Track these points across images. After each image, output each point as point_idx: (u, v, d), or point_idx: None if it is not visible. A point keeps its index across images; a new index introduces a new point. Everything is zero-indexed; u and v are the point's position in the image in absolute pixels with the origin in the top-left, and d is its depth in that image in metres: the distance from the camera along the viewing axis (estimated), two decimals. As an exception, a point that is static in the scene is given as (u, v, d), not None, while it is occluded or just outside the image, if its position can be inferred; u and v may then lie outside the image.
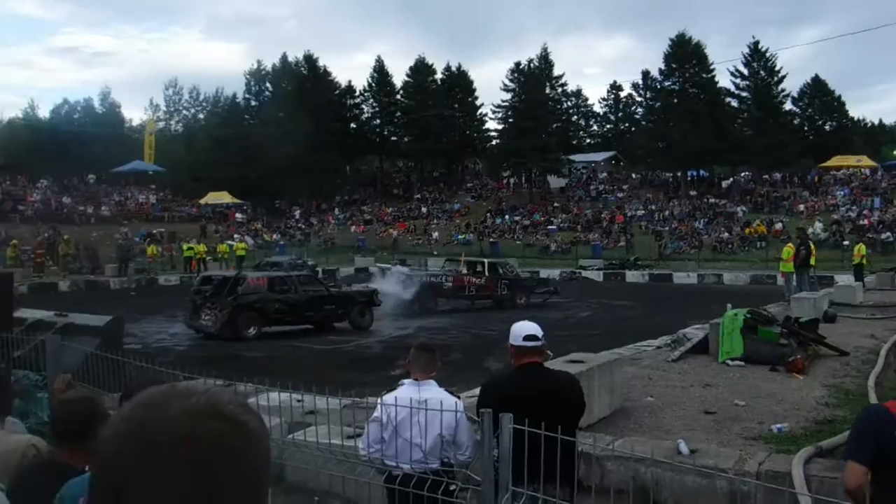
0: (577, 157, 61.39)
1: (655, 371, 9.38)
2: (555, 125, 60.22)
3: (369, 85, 63.36)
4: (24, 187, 46.99)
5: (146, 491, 0.76)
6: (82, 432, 2.48)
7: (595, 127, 71.68)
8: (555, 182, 57.54)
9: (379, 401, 3.95)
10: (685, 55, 51.80)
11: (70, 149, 51.81)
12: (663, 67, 53.31)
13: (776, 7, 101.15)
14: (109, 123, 60.04)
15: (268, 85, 62.51)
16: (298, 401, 5.11)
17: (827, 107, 56.97)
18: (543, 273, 29.52)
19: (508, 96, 58.95)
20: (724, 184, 53.21)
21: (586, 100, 69.79)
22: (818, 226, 37.69)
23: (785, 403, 7.59)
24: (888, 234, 36.08)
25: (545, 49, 63.46)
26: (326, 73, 62.38)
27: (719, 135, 49.06)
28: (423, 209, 55.99)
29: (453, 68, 63.55)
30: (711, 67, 52.52)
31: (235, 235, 44.30)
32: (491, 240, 44.56)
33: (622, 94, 67.37)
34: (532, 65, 60.98)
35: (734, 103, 54.72)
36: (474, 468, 3.77)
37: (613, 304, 23.22)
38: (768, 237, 38.09)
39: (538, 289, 23.04)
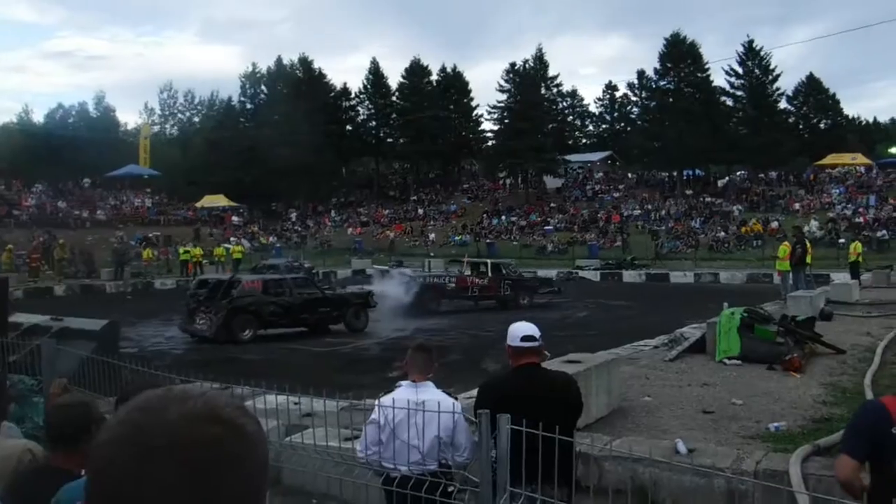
0: (572, 158, 61.44)
1: (653, 371, 9.38)
2: (550, 125, 60.26)
3: (364, 87, 63.38)
4: (19, 192, 46.86)
5: (144, 496, 0.76)
6: (77, 437, 2.48)
7: (591, 127, 71.81)
8: (551, 182, 57.60)
9: (376, 403, 3.95)
10: (680, 54, 51.93)
11: (65, 153, 51.67)
12: (658, 67, 53.45)
13: (770, 6, 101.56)
14: (104, 127, 59.92)
15: (263, 88, 62.43)
16: (296, 403, 5.10)
17: (822, 105, 57.14)
18: (541, 273, 29.54)
19: (504, 97, 59.13)
20: (720, 183, 53.32)
21: (582, 100, 70.02)
22: (814, 224, 37.79)
23: (782, 402, 7.60)
24: (884, 231, 36.20)
25: (540, 49, 63.57)
26: (321, 76, 62.39)
27: (715, 134, 49.19)
28: (420, 211, 55.98)
29: (448, 69, 63.65)
30: (706, 66, 52.72)
31: (232, 238, 44.22)
32: (487, 241, 44.56)
33: (617, 94, 67.66)
34: (527, 65, 61.05)
35: (729, 102, 54.87)
36: (472, 469, 3.77)
37: (610, 303, 23.25)
38: (764, 236, 38.15)
39: (541, 289, 23.08)
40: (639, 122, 59.30)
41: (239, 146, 53.88)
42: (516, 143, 52.43)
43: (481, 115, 64.12)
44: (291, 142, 50.09)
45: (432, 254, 38.67)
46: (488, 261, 23.73)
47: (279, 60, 62.70)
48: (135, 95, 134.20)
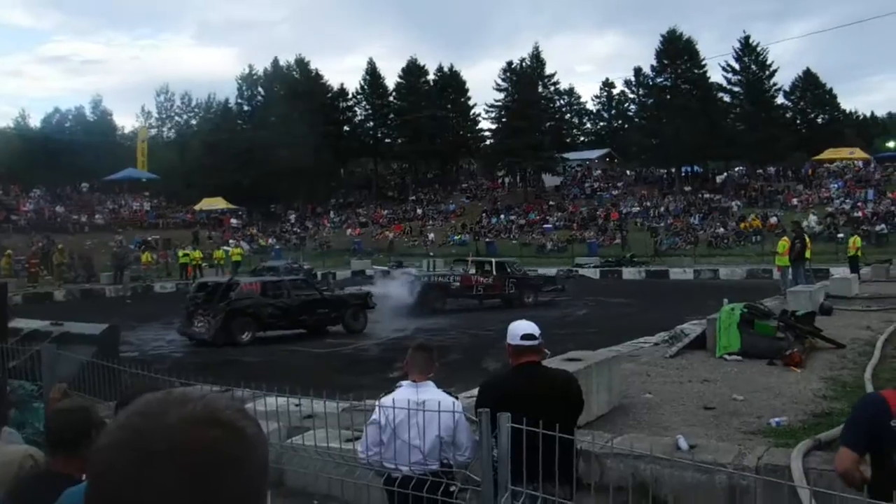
0: (571, 156, 61.46)
1: (653, 367, 9.39)
2: (548, 124, 60.26)
3: (361, 87, 63.38)
4: (17, 197, 46.82)
5: (144, 500, 0.76)
6: (77, 441, 2.47)
7: (588, 125, 71.83)
8: (549, 180, 57.59)
9: (377, 403, 3.95)
10: (677, 51, 51.92)
11: (62, 157, 51.60)
12: (655, 64, 53.48)
13: (766, 1, 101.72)
14: (101, 131, 59.80)
15: (260, 89, 62.34)
16: (296, 405, 5.10)
17: (819, 100, 57.17)
18: (541, 272, 29.53)
19: (501, 96, 59.14)
20: (718, 179, 53.32)
21: (579, 98, 70.02)
22: (813, 219, 37.78)
23: (783, 397, 7.61)
24: (882, 225, 36.20)
25: (537, 48, 63.66)
26: (318, 77, 62.37)
27: (712, 130, 49.18)
28: (419, 210, 55.97)
29: (445, 69, 63.65)
30: (703, 63, 52.70)
31: (231, 241, 44.20)
32: (487, 240, 44.57)
33: (615, 92, 67.63)
34: (524, 64, 61.10)
35: (726, 98, 54.88)
36: (474, 468, 3.77)
37: (610, 301, 23.25)
38: (763, 231, 38.17)
39: (545, 287, 23.09)
40: (636, 120, 59.32)
41: (237, 148, 53.83)
42: (514, 141, 52.41)
43: (479, 115, 64.25)
44: (289, 143, 50.06)
45: (432, 254, 38.66)
46: (493, 260, 23.77)
47: (276, 62, 62.76)
48: (131, 99, 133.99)
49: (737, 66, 53.65)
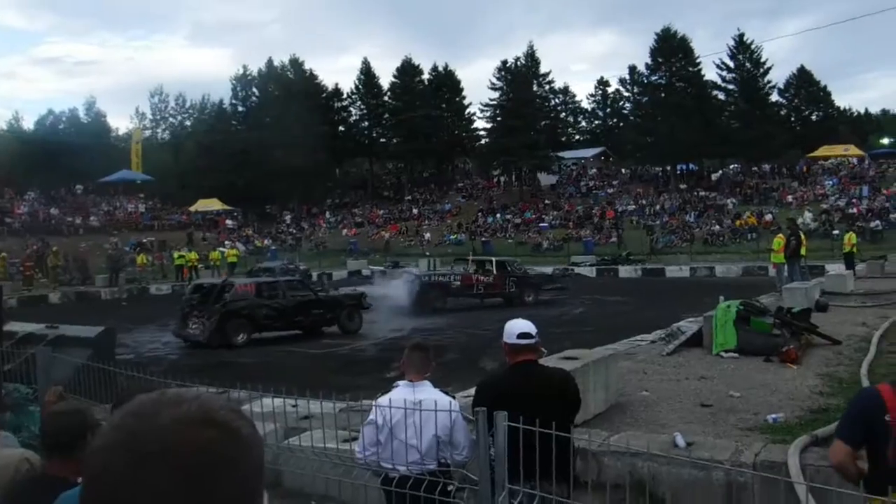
0: (566, 154, 61.53)
1: (650, 365, 9.40)
2: (543, 122, 60.34)
3: (356, 87, 63.33)
4: (11, 200, 46.72)
5: (138, 502, 0.75)
6: (73, 444, 2.46)
7: (583, 123, 71.90)
8: (545, 179, 57.65)
9: (374, 403, 3.94)
10: (671, 49, 52.02)
11: (56, 160, 51.50)
12: (650, 62, 53.59)
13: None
14: (95, 133, 59.68)
15: (254, 90, 62.31)
16: (293, 406, 5.09)
17: (813, 97, 57.34)
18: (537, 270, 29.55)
19: (496, 95, 59.15)
20: (714, 176, 53.45)
21: (574, 96, 70.12)
22: (808, 216, 37.90)
23: (779, 394, 7.62)
24: (877, 222, 36.33)
25: (531, 47, 63.74)
26: (313, 77, 62.31)
27: (707, 128, 49.30)
28: (414, 210, 55.96)
29: (440, 68, 63.65)
30: (697, 61, 52.85)
31: (226, 242, 44.13)
32: (483, 239, 44.59)
33: (609, 90, 67.81)
34: (519, 63, 61.17)
35: (721, 96, 55.03)
36: (471, 467, 3.77)
37: (607, 299, 23.28)
38: (759, 228, 38.29)
39: (546, 285, 23.10)
40: (631, 118, 59.41)
41: (231, 149, 53.78)
42: (509, 140, 52.45)
43: (474, 114, 64.35)
44: (284, 144, 50.00)
45: (428, 253, 38.67)
46: (493, 258, 23.79)
47: (270, 62, 62.73)
48: (125, 100, 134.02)
49: (731, 64, 53.81)
